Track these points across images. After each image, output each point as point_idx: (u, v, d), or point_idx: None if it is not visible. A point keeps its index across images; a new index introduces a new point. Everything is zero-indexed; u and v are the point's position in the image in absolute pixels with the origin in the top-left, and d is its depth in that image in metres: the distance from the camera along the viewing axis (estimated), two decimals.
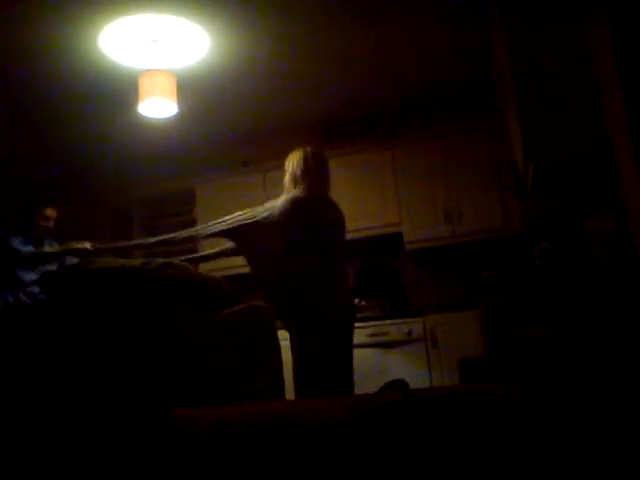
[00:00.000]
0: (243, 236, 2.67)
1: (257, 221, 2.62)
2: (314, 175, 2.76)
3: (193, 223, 4.48)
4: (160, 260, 2.05)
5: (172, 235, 2.77)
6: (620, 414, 1.06)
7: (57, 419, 1.61)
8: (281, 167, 5.71)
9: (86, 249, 2.72)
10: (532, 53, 2.69)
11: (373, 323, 4.34)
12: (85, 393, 1.72)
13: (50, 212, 3.71)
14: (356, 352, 4.40)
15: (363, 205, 4.73)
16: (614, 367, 2.00)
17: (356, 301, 4.65)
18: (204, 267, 3.91)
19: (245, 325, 2.27)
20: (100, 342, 1.81)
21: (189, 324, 1.98)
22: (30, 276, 3.44)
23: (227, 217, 2.72)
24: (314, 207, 2.71)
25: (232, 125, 4.89)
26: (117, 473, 1.38)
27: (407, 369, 4.12)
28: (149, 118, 3.86)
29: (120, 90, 3.97)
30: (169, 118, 3.89)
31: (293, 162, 2.83)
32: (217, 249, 2.98)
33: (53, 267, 3.33)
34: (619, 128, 2.38)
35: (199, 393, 1.84)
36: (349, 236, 4.74)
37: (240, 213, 2.73)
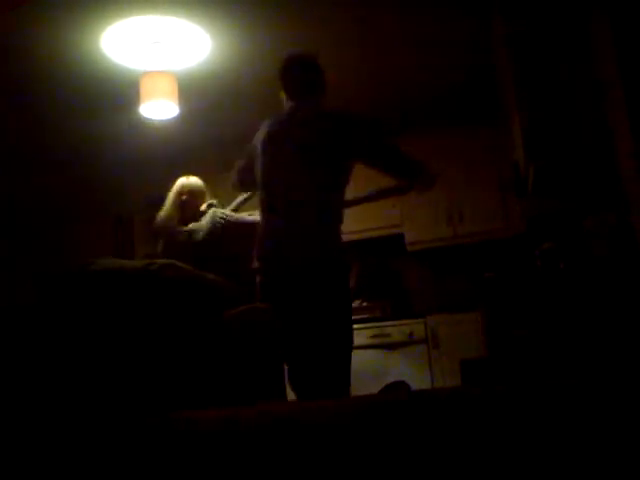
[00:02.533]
0: None
1: None
2: None
3: None
4: (162, 261, 2.05)
5: None
6: (621, 414, 1.06)
7: (59, 421, 1.61)
8: None
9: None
10: (534, 53, 2.70)
11: (374, 324, 4.34)
12: (88, 394, 1.73)
13: None
14: (357, 353, 4.42)
15: (364, 206, 4.72)
16: (615, 367, 2.00)
17: (357, 303, 4.65)
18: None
19: (247, 326, 2.26)
20: (102, 343, 1.81)
21: (190, 325, 1.98)
22: None
23: None
24: None
25: (233, 126, 4.89)
26: (121, 474, 1.38)
27: (408, 370, 4.12)
28: (150, 119, 3.87)
29: (122, 91, 3.98)
30: (170, 120, 3.90)
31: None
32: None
33: None
34: (620, 128, 2.38)
35: (200, 394, 1.84)
36: (350, 237, 4.78)
37: None
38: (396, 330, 4.27)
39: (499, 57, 3.36)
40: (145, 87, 3.49)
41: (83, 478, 1.35)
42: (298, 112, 2.50)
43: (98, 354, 1.80)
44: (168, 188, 2.95)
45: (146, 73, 3.53)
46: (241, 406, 1.46)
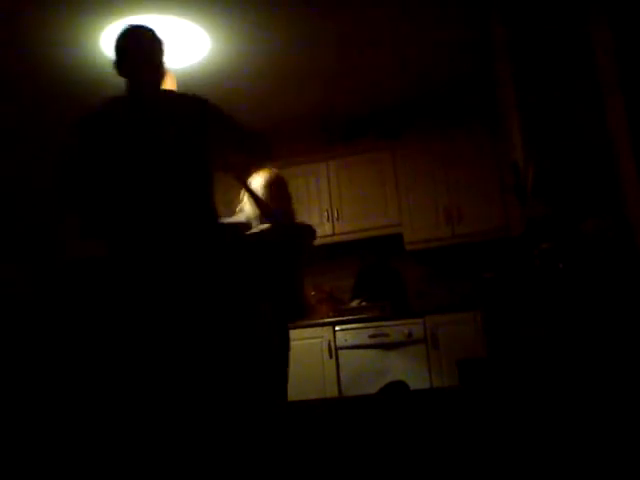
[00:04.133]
0: None
1: None
2: None
3: None
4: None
5: None
6: (620, 414, 1.06)
7: (58, 416, 1.61)
8: (283, 167, 5.71)
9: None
10: (534, 54, 2.70)
11: (373, 324, 4.34)
12: (86, 391, 1.73)
13: None
14: (357, 353, 4.43)
15: (364, 206, 4.73)
16: (615, 367, 2.00)
17: (355, 302, 4.65)
18: None
19: (246, 326, 2.27)
20: (102, 339, 1.82)
21: (190, 324, 1.98)
22: None
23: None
24: None
25: None
26: (120, 472, 1.38)
27: (407, 370, 4.12)
28: None
29: (122, 90, 3.97)
30: None
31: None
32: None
33: None
34: (620, 129, 2.38)
35: (201, 394, 1.84)
36: (350, 237, 4.79)
37: None
38: (395, 330, 4.27)
39: (499, 57, 3.37)
40: None
41: (83, 477, 1.36)
42: (146, 94, 2.21)
43: (96, 350, 1.80)
44: None
45: None
46: (242, 406, 1.46)
